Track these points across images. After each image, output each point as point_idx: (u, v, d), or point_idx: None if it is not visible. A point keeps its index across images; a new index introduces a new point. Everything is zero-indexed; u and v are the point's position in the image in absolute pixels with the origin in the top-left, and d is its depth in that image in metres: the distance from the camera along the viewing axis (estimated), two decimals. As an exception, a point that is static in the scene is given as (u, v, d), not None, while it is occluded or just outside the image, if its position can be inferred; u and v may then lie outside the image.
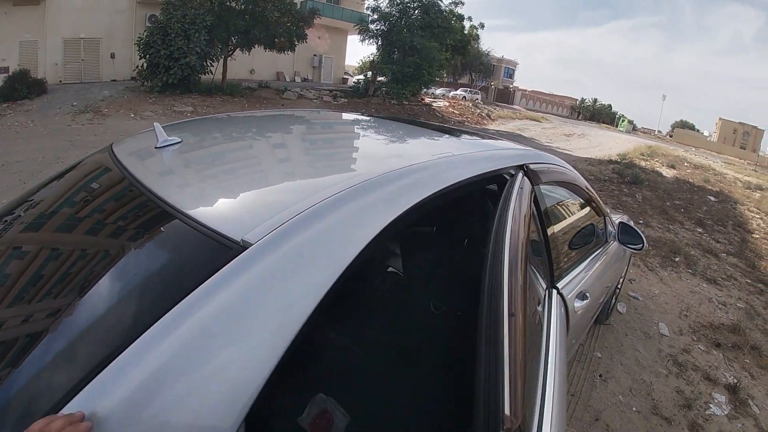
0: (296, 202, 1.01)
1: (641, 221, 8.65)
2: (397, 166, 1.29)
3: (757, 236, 10.09)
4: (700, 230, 9.26)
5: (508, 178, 1.73)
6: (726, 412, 3.76)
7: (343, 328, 2.35)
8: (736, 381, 4.19)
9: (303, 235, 0.93)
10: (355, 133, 2.27)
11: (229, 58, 18.81)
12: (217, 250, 0.90)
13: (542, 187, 2.23)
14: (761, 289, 6.88)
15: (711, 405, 3.79)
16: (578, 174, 2.68)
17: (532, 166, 1.86)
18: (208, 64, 17.19)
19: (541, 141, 20.82)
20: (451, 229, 2.09)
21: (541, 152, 2.22)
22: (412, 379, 2.22)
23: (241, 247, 0.89)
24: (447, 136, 2.15)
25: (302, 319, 0.86)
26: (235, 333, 0.82)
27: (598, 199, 2.96)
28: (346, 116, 2.83)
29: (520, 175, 1.77)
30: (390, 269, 2.59)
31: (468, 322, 2.14)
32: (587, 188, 2.76)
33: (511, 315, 1.09)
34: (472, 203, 1.98)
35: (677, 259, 7.06)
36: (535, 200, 1.93)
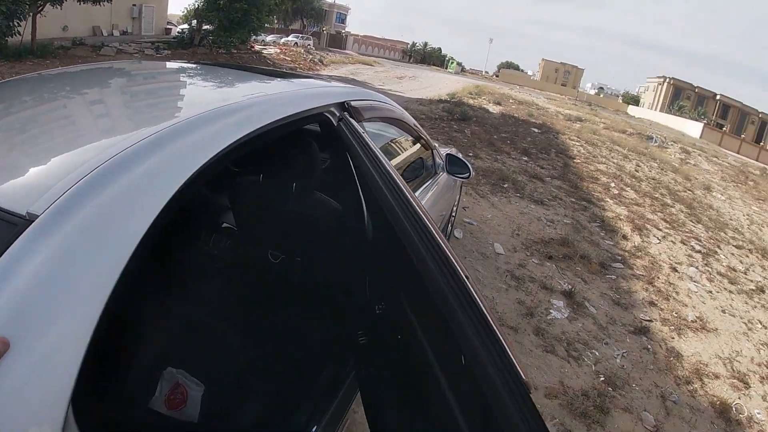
0: (89, 160, 0.89)
1: (471, 154, 9.21)
2: (203, 110, 1.18)
3: (578, 161, 11.29)
4: (525, 159, 10.12)
5: (330, 117, 1.70)
6: (566, 315, 4.22)
7: (181, 295, 2.24)
8: (570, 287, 4.75)
9: (98, 196, 0.83)
10: (166, 81, 2.05)
11: (39, 15, 16.38)
12: (1, 228, 0.77)
13: (367, 124, 2.27)
14: (584, 206, 7.78)
15: (551, 310, 4.24)
16: (403, 110, 2.73)
17: (354, 103, 1.84)
18: (15, 24, 14.84)
19: (374, 84, 21.08)
20: (278, 174, 2.00)
21: (363, 89, 2.22)
22: (262, 336, 2.17)
23: (27, 221, 0.77)
24: (266, 78, 2.05)
25: (108, 290, 0.77)
26: (34, 317, 0.72)
27: (425, 134, 3.07)
28: (159, 65, 2.62)
29: (343, 112, 1.75)
30: (225, 225, 2.49)
31: (308, 267, 2.15)
32: (414, 124, 2.83)
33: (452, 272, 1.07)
34: (295, 145, 1.93)
35: (506, 186, 7.68)
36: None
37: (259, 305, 2.29)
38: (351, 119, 1.74)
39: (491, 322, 0.99)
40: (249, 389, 1.94)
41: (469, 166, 3.33)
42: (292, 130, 1.45)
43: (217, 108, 1.21)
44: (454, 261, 1.08)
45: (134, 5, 24.88)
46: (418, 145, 3.02)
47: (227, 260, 2.39)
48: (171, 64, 2.31)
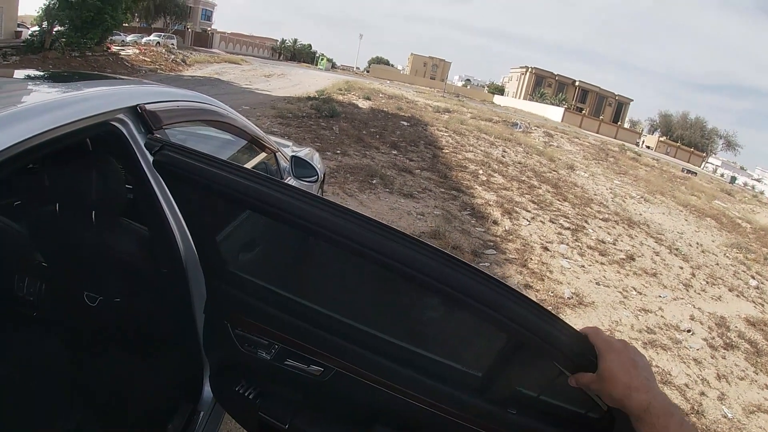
0: None
1: (339, 151, 9.04)
2: None
3: (447, 151, 11.48)
4: (395, 152, 10.11)
5: (117, 125, 1.37)
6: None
7: None
8: None
9: None
10: None
11: None
12: None
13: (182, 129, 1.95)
14: (454, 195, 7.84)
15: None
16: (232, 110, 2.38)
17: (149, 107, 1.49)
18: None
19: (240, 84, 20.44)
20: (74, 200, 1.68)
21: (167, 88, 1.86)
22: (95, 388, 1.92)
23: None
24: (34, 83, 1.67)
25: None
26: None
27: (264, 135, 2.74)
28: None
29: (134, 120, 1.42)
30: (38, 262, 2.07)
31: (129, 308, 1.88)
32: (246, 126, 2.49)
33: None
34: (84, 164, 1.58)
35: (374, 182, 7.54)
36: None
37: (85, 355, 2.00)
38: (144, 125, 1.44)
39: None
40: None
41: (317, 167, 3.06)
42: (68, 145, 1.18)
43: None
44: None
45: (-23, 5, 22.07)
46: (256, 150, 2.69)
47: (44, 306, 2.01)
48: None
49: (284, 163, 3.00)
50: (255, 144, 2.63)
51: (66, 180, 1.62)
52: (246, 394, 1.50)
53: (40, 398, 1.81)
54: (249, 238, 1.49)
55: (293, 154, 3.17)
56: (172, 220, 1.51)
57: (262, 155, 2.78)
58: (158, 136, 1.42)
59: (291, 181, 2.99)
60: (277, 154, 2.90)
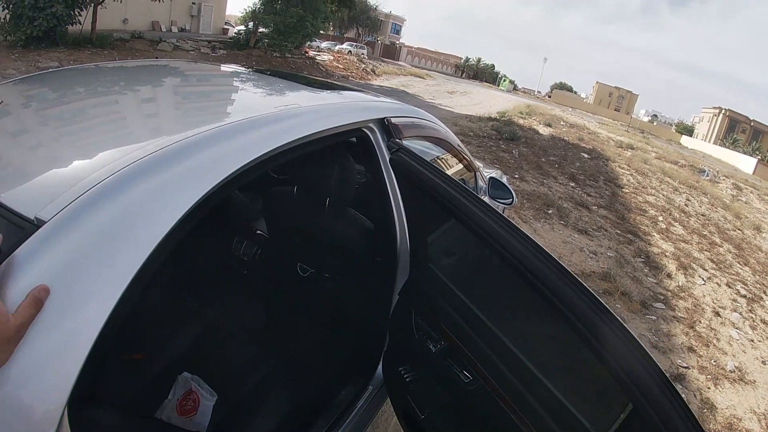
0: (111, 163, 0.87)
1: (516, 176, 9.04)
2: (232, 120, 1.15)
3: (627, 191, 10.97)
4: (572, 185, 9.88)
5: (368, 133, 1.66)
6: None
7: (207, 298, 2.23)
8: None
9: (111, 204, 0.81)
10: (211, 86, 2.03)
11: (100, 6, 16.90)
12: (8, 230, 0.75)
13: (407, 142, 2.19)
14: (630, 239, 7.50)
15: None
16: (448, 129, 2.65)
17: (393, 120, 1.77)
18: (77, 13, 15.38)
19: (424, 98, 21.07)
20: (312, 187, 1.98)
21: (405, 105, 2.15)
22: (283, 348, 2.18)
23: (35, 225, 0.75)
24: (311, 88, 2.01)
25: (118, 293, 0.77)
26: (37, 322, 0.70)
27: (469, 155, 2.98)
28: (211, 68, 2.61)
29: (380, 129, 1.71)
30: (258, 231, 2.47)
31: (336, 284, 2.09)
32: (457, 144, 2.74)
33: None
34: (330, 159, 1.89)
35: (550, 212, 7.48)
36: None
37: (282, 317, 2.32)
38: (388, 135, 1.71)
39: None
40: (263, 402, 1.94)
41: (512, 191, 3.23)
42: (329, 144, 1.42)
43: (253, 118, 1.19)
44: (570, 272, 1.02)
45: (194, 3, 25.54)
46: (460, 166, 2.93)
47: (256, 268, 2.39)
48: (224, 68, 2.32)
49: (482, 183, 3.21)
50: (460, 161, 2.87)
51: (312, 168, 1.91)
52: (404, 376, 1.68)
53: (239, 345, 2.14)
54: (449, 244, 1.66)
55: (491, 175, 3.37)
56: (396, 216, 1.73)
57: (466, 172, 3.00)
58: (398, 141, 1.68)
59: (486, 200, 3.18)
60: (477, 173, 3.12)
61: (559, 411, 1.17)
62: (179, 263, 2.06)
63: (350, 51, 36.00)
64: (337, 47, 36.63)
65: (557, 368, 1.28)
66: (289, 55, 23.24)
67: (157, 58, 17.49)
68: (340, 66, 26.23)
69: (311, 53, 27.35)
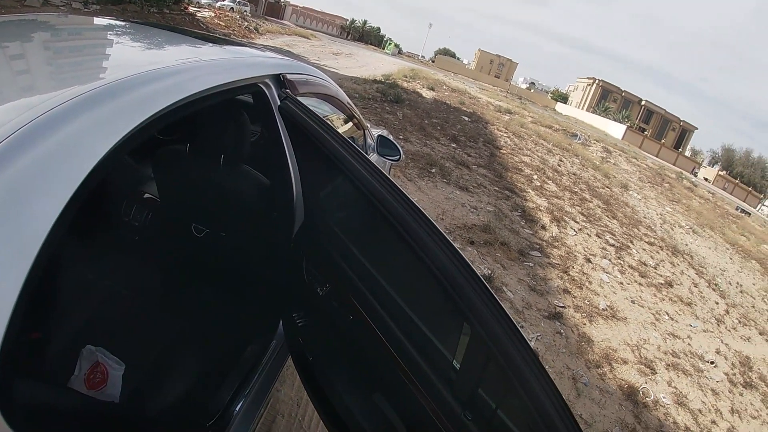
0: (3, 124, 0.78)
1: (401, 137, 9.32)
2: (133, 72, 1.09)
3: (504, 152, 11.63)
4: (454, 145, 10.33)
5: (264, 88, 1.67)
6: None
7: (100, 268, 2.16)
8: (490, 272, 4.95)
9: (8, 167, 0.74)
10: (93, 39, 1.86)
11: None
12: None
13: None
14: (507, 195, 8.07)
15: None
16: (338, 87, 2.72)
17: (289, 76, 1.81)
18: None
19: (309, 58, 20.66)
20: (205, 144, 1.93)
21: (300, 62, 2.16)
22: (184, 312, 2.14)
23: None
24: (199, 42, 1.94)
25: (26, 267, 0.72)
26: None
27: (358, 114, 3.08)
28: (86, 20, 2.45)
29: (276, 85, 1.72)
30: (146, 195, 2.40)
31: (233, 243, 2.11)
32: (348, 103, 2.83)
33: None
34: (224, 115, 1.86)
35: (433, 171, 7.83)
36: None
37: (181, 280, 2.27)
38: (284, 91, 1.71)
39: (497, 300, 1.00)
40: (171, 366, 1.91)
41: (400, 149, 3.38)
42: (223, 99, 1.38)
43: (148, 71, 1.12)
44: (448, 237, 1.08)
45: (62, -46, 23.01)
46: (350, 124, 3.03)
47: (148, 232, 2.32)
48: (99, 21, 2.13)
49: (370, 141, 3.33)
50: (351, 120, 2.96)
51: (205, 126, 1.89)
52: (297, 322, 1.76)
53: (140, 311, 2.08)
54: (343, 196, 1.68)
55: (379, 134, 3.50)
56: (293, 172, 1.77)
57: (355, 130, 3.10)
58: (288, 92, 1.69)
59: (374, 157, 3.32)
60: (366, 131, 3.23)
61: (424, 343, 1.28)
62: (67, 238, 1.92)
63: (232, 8, 34.17)
64: (218, 3, 34.54)
65: (421, 306, 1.37)
66: (167, 11, 21.72)
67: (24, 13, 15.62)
68: (221, 23, 24.95)
69: (191, 9, 25.76)
